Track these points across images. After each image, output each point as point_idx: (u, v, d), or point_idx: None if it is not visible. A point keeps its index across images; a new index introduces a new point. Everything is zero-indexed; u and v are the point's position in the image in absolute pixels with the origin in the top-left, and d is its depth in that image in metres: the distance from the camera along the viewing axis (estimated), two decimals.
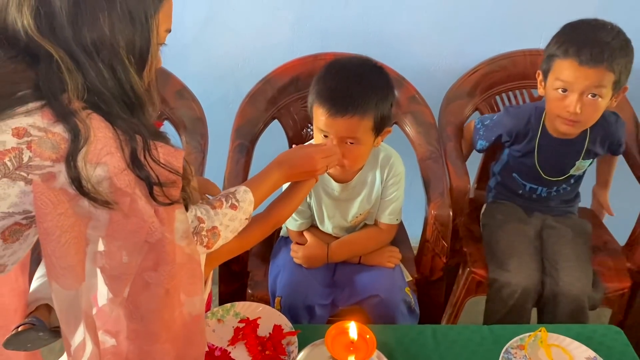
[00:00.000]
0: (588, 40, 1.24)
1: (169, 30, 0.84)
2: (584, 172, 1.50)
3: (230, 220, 0.94)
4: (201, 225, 0.90)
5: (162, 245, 0.79)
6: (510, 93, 1.64)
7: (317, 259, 1.32)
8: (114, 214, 0.75)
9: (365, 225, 1.39)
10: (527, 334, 1.09)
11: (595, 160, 1.49)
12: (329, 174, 1.28)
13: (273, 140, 1.59)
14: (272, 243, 1.49)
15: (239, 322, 1.08)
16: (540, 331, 1.10)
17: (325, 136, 1.19)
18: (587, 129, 1.39)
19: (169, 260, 0.80)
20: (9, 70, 0.69)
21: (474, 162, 1.72)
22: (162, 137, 0.81)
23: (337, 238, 1.37)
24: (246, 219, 0.98)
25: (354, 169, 1.27)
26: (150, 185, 0.76)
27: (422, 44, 1.71)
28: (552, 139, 1.42)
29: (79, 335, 0.81)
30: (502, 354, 1.05)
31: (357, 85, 1.15)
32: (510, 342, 1.07)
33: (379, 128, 1.20)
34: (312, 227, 1.39)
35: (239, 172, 1.42)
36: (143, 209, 0.76)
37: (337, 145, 1.17)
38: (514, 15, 1.64)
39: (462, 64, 1.68)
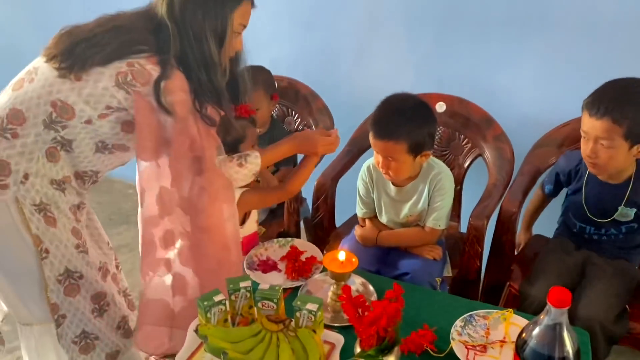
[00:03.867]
0: (602, 95, 1.45)
1: (244, 25, 1.33)
2: (638, 225, 1.60)
3: (235, 173, 1.41)
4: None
5: (203, 157, 1.31)
6: None
7: (368, 240, 1.73)
8: (174, 127, 1.28)
9: (417, 225, 1.73)
10: (497, 310, 1.32)
11: None
12: (389, 178, 1.67)
13: None
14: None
15: (290, 248, 1.56)
16: (509, 311, 1.32)
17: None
18: (631, 178, 1.53)
19: (208, 168, 1.32)
20: (139, 34, 1.26)
21: None
22: (218, 94, 1.32)
23: (390, 229, 1.75)
24: (253, 174, 1.43)
25: (397, 179, 1.64)
26: (200, 113, 1.30)
27: (520, 95, 2.00)
28: (598, 181, 1.59)
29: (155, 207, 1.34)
30: (465, 315, 1.31)
31: (393, 117, 1.53)
32: (478, 311, 1.32)
33: (415, 151, 1.54)
34: (375, 217, 1.79)
35: (336, 167, 1.93)
36: (191, 127, 1.29)
37: (338, 137, 1.57)
38: (608, 76, 1.82)
39: (556, 116, 1.91)
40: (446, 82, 2.10)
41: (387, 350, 1.04)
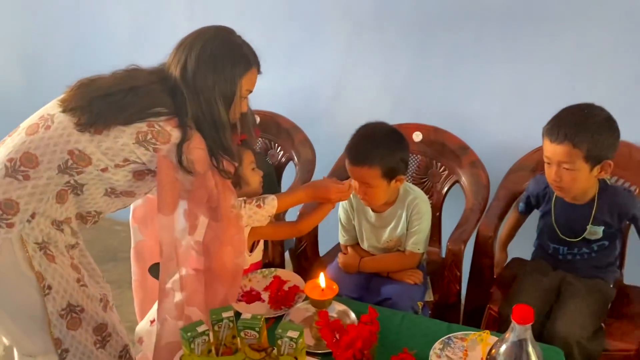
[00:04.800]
0: (560, 122, 1.53)
1: (250, 91, 1.45)
2: (609, 243, 1.66)
3: (254, 214, 1.53)
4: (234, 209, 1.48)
5: (219, 207, 1.41)
6: None
7: (351, 266, 1.78)
8: (194, 183, 1.38)
9: (397, 251, 1.78)
10: (474, 332, 1.36)
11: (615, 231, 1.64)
12: (366, 204, 1.73)
13: None
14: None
15: (273, 278, 1.59)
16: (485, 332, 1.36)
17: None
18: (594, 197, 1.60)
19: (223, 217, 1.41)
20: (157, 97, 1.36)
21: None
22: (229, 151, 1.42)
23: (372, 255, 1.80)
24: (269, 216, 1.56)
25: (374, 205, 1.71)
26: (218, 169, 1.39)
27: (493, 123, 2.08)
28: (564, 202, 1.66)
29: (173, 261, 1.41)
30: (443, 338, 1.35)
31: (367, 143, 1.62)
32: (456, 333, 1.36)
33: (389, 175, 1.62)
34: (357, 244, 1.84)
35: None
36: (209, 182, 1.39)
37: (352, 186, 1.64)
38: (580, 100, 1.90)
39: (528, 142, 1.98)
40: (422, 112, 2.17)
41: None
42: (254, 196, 1.59)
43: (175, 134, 1.34)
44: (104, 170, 1.35)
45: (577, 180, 1.53)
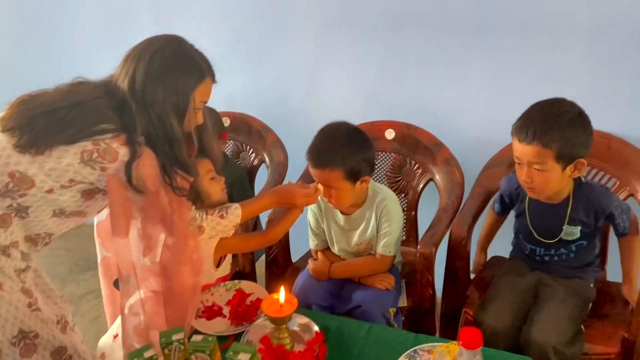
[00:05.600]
0: (529, 121, 1.44)
1: (205, 102, 1.38)
2: (587, 243, 1.59)
3: (216, 224, 1.46)
4: (194, 222, 1.42)
5: (174, 225, 1.34)
6: None
7: (321, 273, 1.70)
8: (146, 202, 1.31)
9: (369, 254, 1.72)
10: (442, 343, 1.30)
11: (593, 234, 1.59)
12: (336, 208, 1.67)
13: None
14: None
15: (235, 292, 1.53)
16: (453, 344, 1.29)
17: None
18: (569, 197, 1.52)
19: (180, 236, 1.35)
20: (103, 112, 1.28)
21: None
22: (184, 166, 1.34)
23: (343, 259, 1.73)
24: (233, 226, 1.49)
25: (340, 207, 1.65)
26: (171, 186, 1.32)
27: (468, 118, 2.01)
28: (539, 202, 1.58)
29: (132, 283, 1.35)
30: (409, 351, 1.29)
31: (327, 145, 1.55)
32: (423, 345, 1.30)
33: (353, 177, 1.55)
34: (327, 249, 1.78)
35: None
36: (162, 201, 1.32)
37: (318, 190, 1.58)
38: (550, 94, 1.82)
39: (504, 136, 1.90)
40: (395, 109, 2.10)
41: None
42: (220, 204, 1.52)
43: (123, 152, 1.26)
44: (49, 191, 1.27)
45: (550, 181, 1.45)
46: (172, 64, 1.30)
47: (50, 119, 1.24)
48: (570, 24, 1.76)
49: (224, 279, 1.62)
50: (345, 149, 1.53)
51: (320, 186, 1.59)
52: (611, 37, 1.72)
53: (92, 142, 1.24)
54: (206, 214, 1.46)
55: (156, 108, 1.27)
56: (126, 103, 1.28)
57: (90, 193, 1.33)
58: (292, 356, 0.98)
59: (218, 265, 1.60)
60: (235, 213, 1.49)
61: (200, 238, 1.44)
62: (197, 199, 1.46)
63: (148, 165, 1.28)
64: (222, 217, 1.48)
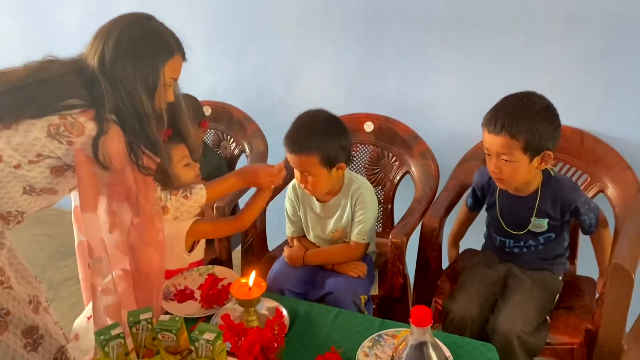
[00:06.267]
0: (498, 112, 1.47)
1: (175, 79, 1.40)
2: (555, 235, 1.62)
3: (180, 205, 1.48)
4: (159, 203, 1.44)
5: (139, 205, 1.35)
6: None
7: (296, 259, 1.73)
8: (111, 179, 1.32)
9: (343, 242, 1.75)
10: (406, 328, 1.32)
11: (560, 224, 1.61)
12: (312, 194, 1.69)
13: None
14: None
15: (207, 276, 1.55)
16: None
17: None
18: (538, 189, 1.55)
19: (144, 215, 1.36)
20: (71, 88, 1.29)
21: None
22: (154, 144, 1.35)
23: (319, 247, 1.75)
24: (198, 206, 1.49)
25: (317, 193, 1.67)
26: (137, 165, 1.33)
27: (445, 112, 2.03)
28: (508, 194, 1.61)
29: (104, 262, 1.36)
30: (373, 335, 1.31)
31: (303, 131, 1.58)
32: (387, 330, 1.33)
33: (329, 163, 1.57)
34: (303, 236, 1.80)
35: None
36: (127, 179, 1.33)
37: (283, 169, 1.61)
38: (527, 88, 1.85)
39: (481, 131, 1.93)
40: (374, 102, 2.12)
41: None
42: None
43: (90, 126, 1.27)
44: (17, 167, 1.28)
45: (517, 171, 1.48)
46: (141, 40, 1.31)
47: (17, 95, 1.25)
48: (546, 20, 1.79)
49: (197, 264, 1.64)
50: (322, 135, 1.56)
51: (283, 166, 1.63)
52: (586, 34, 1.75)
53: (59, 117, 1.25)
54: (170, 194, 1.47)
55: (126, 84, 1.28)
56: (95, 79, 1.28)
57: (59, 170, 1.33)
58: (251, 332, 1.00)
59: (191, 250, 1.61)
60: (200, 194, 1.50)
61: (164, 218, 1.45)
62: (168, 181, 1.47)
63: (115, 142, 1.29)
64: (186, 197, 1.48)
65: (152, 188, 1.39)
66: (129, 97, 1.30)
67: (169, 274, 1.56)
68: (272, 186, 1.64)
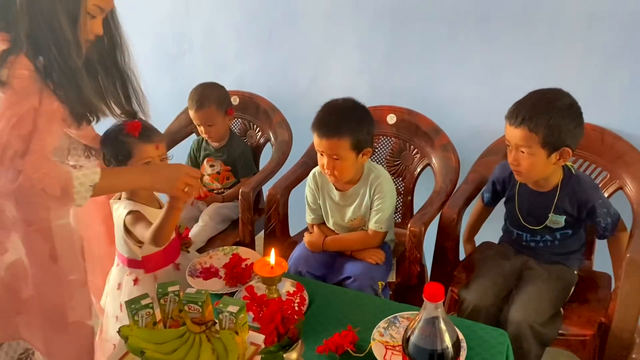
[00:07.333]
0: (520, 105, 1.51)
1: (101, 8, 1.26)
2: (572, 232, 1.64)
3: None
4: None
5: (30, 138, 1.19)
6: None
7: (315, 245, 1.79)
8: (5, 100, 1.18)
9: (362, 229, 1.80)
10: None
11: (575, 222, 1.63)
12: (337, 180, 1.74)
13: None
14: None
15: (232, 255, 1.62)
16: None
17: (322, 154, 1.67)
18: (558, 186, 1.58)
19: (34, 150, 1.19)
20: None
21: None
22: (72, 72, 1.22)
23: (338, 234, 1.81)
24: (89, 186, 1.24)
25: (343, 179, 1.71)
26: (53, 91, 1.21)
27: (468, 106, 2.06)
28: (528, 189, 1.64)
29: None
30: (389, 317, 1.36)
31: (335, 117, 1.63)
32: (403, 312, 1.37)
33: (358, 148, 1.63)
34: (323, 223, 1.86)
35: (289, 178, 2.00)
36: (23, 104, 1.18)
37: (200, 177, 1.49)
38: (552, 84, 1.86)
39: (502, 126, 1.95)
40: (398, 95, 2.16)
41: (288, 347, 1.09)
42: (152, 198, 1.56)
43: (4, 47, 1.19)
44: None
45: (535, 165, 1.51)
46: None
47: None
48: (570, 16, 1.80)
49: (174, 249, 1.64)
50: (353, 120, 1.62)
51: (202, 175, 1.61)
52: (610, 32, 1.77)
53: None
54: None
55: (44, 5, 1.20)
56: (10, 1, 1.20)
57: None
58: (272, 302, 1.06)
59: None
60: (93, 170, 1.27)
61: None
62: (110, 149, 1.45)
63: (23, 67, 1.19)
64: (75, 167, 1.38)
65: (58, 127, 1.26)
66: (47, 19, 1.20)
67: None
68: (184, 201, 1.43)
